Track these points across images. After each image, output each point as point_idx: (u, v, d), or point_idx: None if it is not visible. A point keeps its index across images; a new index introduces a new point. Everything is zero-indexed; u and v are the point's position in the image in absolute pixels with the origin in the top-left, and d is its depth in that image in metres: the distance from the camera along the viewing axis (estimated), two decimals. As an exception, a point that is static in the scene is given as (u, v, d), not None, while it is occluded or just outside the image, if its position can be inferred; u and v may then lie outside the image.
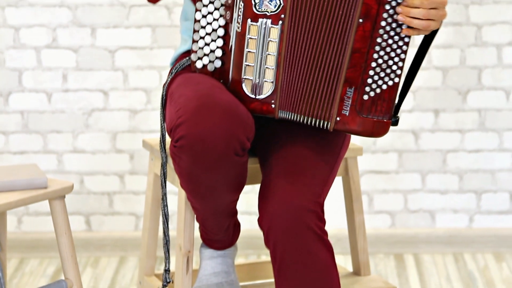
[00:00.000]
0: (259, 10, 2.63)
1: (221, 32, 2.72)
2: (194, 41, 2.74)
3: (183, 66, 2.85)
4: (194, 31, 2.74)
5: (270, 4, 2.61)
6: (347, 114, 2.67)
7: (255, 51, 2.65)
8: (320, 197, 2.62)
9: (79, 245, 4.07)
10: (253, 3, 2.62)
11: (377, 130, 2.69)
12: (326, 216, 2.67)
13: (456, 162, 4.07)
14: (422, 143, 4.06)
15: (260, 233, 3.99)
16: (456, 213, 4.09)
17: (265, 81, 2.66)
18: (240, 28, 2.65)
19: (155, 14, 4.01)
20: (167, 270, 2.86)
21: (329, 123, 2.68)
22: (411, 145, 4.05)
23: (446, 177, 4.08)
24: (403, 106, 3.98)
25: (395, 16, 2.62)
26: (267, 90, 2.67)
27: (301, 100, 2.69)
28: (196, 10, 2.73)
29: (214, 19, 2.72)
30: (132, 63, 4.05)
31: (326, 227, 2.63)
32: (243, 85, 2.66)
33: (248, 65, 2.65)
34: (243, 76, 2.66)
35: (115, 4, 4.01)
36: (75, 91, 4.05)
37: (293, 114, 2.70)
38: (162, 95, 2.85)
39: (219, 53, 2.73)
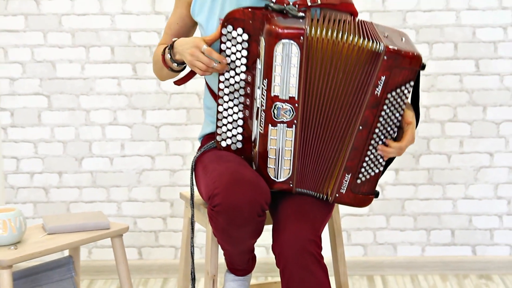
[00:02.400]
0: (277, 118, 2.61)
1: (240, 122, 2.72)
2: (218, 127, 2.74)
3: (209, 147, 2.83)
4: (218, 119, 2.73)
5: (285, 114, 2.60)
6: (343, 192, 2.69)
7: (275, 148, 2.63)
8: (319, 231, 2.63)
9: (133, 270, 4.04)
10: (272, 114, 2.60)
11: (363, 203, 2.72)
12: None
13: (411, 208, 4.05)
14: (387, 193, 4.04)
15: (267, 260, 3.99)
16: (412, 245, 4.06)
17: (284, 168, 2.65)
18: (263, 130, 2.63)
19: (188, 99, 4.02)
20: None
21: (330, 197, 2.70)
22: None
23: (404, 218, 4.05)
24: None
25: (377, 148, 2.66)
26: (286, 175, 2.66)
27: (311, 181, 2.70)
28: (218, 105, 2.72)
29: (234, 112, 2.72)
30: (172, 135, 4.03)
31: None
32: (268, 171, 2.65)
33: (271, 157, 2.64)
34: (268, 165, 2.65)
35: (160, 92, 4.00)
36: (130, 156, 4.04)
37: (305, 190, 2.70)
38: (192, 165, 2.85)
39: (239, 137, 2.73)
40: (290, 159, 2.64)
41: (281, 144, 2.63)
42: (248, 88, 2.68)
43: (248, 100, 2.69)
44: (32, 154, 4.04)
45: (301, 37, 2.54)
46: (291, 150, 2.63)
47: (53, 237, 2.90)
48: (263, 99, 2.60)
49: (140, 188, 4.06)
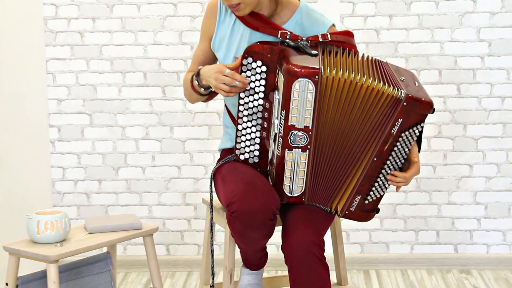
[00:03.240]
0: (293, 144, 2.58)
1: (257, 140, 2.70)
2: (237, 142, 2.72)
3: (227, 159, 2.82)
4: (237, 136, 2.71)
5: (300, 140, 2.57)
6: (352, 210, 2.68)
7: (290, 168, 2.60)
8: (322, 235, 2.61)
9: (162, 264, 4.04)
10: (289, 140, 2.57)
11: (367, 218, 2.71)
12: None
13: (402, 211, 4.03)
14: (380, 199, 4.02)
15: (277, 257, 3.98)
16: (402, 244, 4.05)
17: (298, 185, 2.63)
18: (280, 153, 2.60)
19: (210, 117, 4.01)
20: (212, 286, 2.88)
21: (340, 213, 2.69)
22: (373, 200, 4.01)
23: (396, 221, 4.04)
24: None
25: (388, 176, 2.65)
26: (299, 191, 2.63)
27: (321, 197, 2.68)
28: (238, 124, 2.70)
29: (252, 132, 2.70)
30: (195, 148, 4.03)
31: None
32: (284, 188, 2.63)
33: (286, 176, 2.61)
34: (284, 183, 2.62)
35: (185, 111, 4.00)
36: (159, 166, 4.04)
37: (315, 203, 2.69)
38: (211, 176, 2.84)
39: (256, 153, 2.71)
40: (303, 178, 2.61)
41: (296, 165, 2.60)
42: (266, 113, 2.66)
43: (265, 123, 2.66)
44: (76, 164, 4.05)
45: (316, 76, 2.51)
46: (304, 170, 2.60)
47: (93, 236, 2.89)
48: (281, 127, 2.57)
49: (168, 193, 4.06)
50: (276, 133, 2.61)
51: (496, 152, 3.97)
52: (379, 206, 2.77)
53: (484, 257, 4.01)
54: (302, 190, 2.63)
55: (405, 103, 2.53)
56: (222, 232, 4.01)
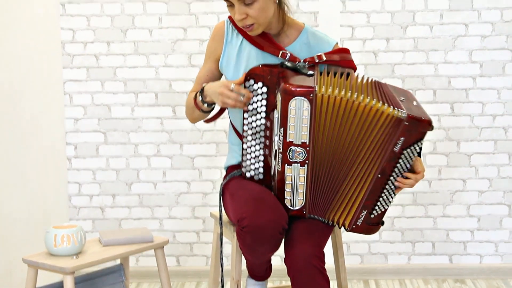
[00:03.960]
0: (292, 159, 2.58)
1: (261, 158, 2.69)
2: (243, 160, 2.72)
3: (233, 175, 2.82)
4: (243, 154, 2.71)
5: (299, 155, 2.58)
6: (359, 224, 2.67)
7: (290, 182, 2.60)
8: (322, 247, 2.61)
9: (172, 275, 4.02)
10: (288, 155, 2.57)
11: (373, 231, 2.70)
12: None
13: (399, 223, 4.02)
14: (379, 212, 4.01)
15: (282, 267, 3.94)
16: (400, 255, 4.04)
17: (298, 199, 2.62)
18: (280, 168, 2.60)
19: (218, 135, 4.02)
20: None
21: (348, 228, 2.68)
22: (372, 213, 4.00)
23: (393, 233, 4.03)
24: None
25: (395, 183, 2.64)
26: (300, 204, 2.63)
27: (321, 210, 2.66)
28: (243, 143, 2.70)
29: (256, 150, 2.69)
30: (204, 164, 4.03)
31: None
32: (285, 201, 2.63)
33: (287, 190, 2.61)
34: (285, 197, 2.62)
35: (194, 130, 4.01)
36: (170, 181, 4.04)
37: (316, 216, 2.68)
38: (220, 191, 2.83)
39: (261, 170, 2.70)
40: (303, 192, 2.61)
41: (296, 179, 2.60)
42: (268, 131, 2.66)
43: (267, 141, 2.67)
44: (91, 180, 4.05)
45: (311, 94, 2.52)
46: (304, 184, 2.60)
47: (107, 249, 2.90)
48: (280, 143, 2.58)
49: (178, 207, 4.05)
50: (276, 150, 2.61)
51: (488, 168, 3.96)
52: (383, 219, 2.76)
53: (478, 267, 4.00)
54: (303, 203, 2.63)
55: (406, 123, 2.54)
56: (229, 245, 4.00)
